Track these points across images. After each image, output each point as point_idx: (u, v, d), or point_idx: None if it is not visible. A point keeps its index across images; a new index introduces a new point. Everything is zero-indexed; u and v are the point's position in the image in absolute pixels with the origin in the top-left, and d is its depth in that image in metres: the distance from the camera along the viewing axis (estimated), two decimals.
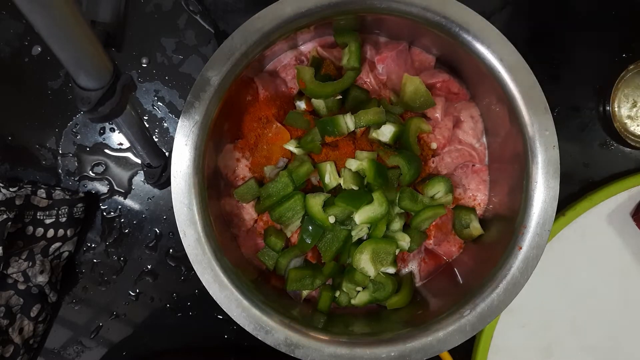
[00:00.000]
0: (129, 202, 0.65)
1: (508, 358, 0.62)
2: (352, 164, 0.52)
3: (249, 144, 0.55)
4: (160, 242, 0.65)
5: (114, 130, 0.66)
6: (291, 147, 0.54)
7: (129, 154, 0.65)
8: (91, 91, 0.35)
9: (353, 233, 0.53)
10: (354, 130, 0.53)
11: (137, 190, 0.65)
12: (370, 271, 0.52)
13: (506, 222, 0.53)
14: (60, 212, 0.61)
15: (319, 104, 0.55)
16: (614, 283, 0.63)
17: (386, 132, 0.53)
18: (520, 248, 0.50)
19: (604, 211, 0.62)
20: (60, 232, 0.61)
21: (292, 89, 0.57)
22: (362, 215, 0.51)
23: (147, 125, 0.55)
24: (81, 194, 0.63)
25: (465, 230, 0.57)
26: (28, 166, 0.65)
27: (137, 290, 0.64)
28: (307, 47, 0.57)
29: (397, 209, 0.55)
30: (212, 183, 0.52)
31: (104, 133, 0.66)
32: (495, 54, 0.50)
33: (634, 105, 0.65)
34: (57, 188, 0.63)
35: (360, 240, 0.55)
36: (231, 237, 0.56)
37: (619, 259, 0.63)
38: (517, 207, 0.51)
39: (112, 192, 0.65)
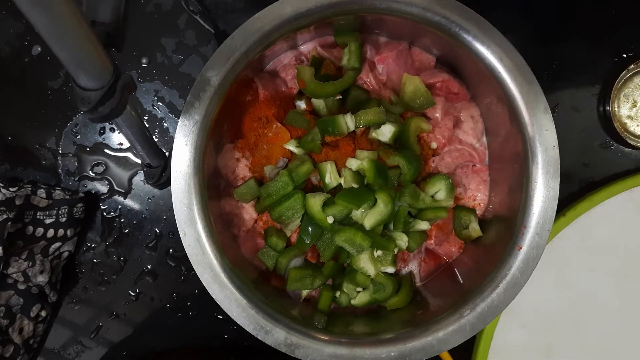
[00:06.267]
0: (129, 202, 0.65)
1: (508, 358, 0.62)
2: (353, 164, 0.52)
3: (249, 144, 0.55)
4: (160, 242, 0.65)
5: (114, 130, 0.66)
6: (291, 146, 0.54)
7: (129, 154, 0.65)
8: (91, 91, 0.35)
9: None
10: (354, 130, 0.53)
11: (137, 190, 0.65)
12: (370, 270, 0.53)
13: (506, 222, 0.53)
14: (60, 212, 0.61)
15: (319, 103, 0.55)
16: (614, 283, 0.63)
17: (386, 132, 0.53)
18: (520, 248, 0.50)
19: (604, 211, 0.62)
20: (60, 232, 0.61)
21: (292, 89, 0.57)
22: (370, 220, 0.51)
23: (147, 125, 0.55)
24: (81, 194, 0.63)
25: (464, 231, 0.57)
26: (28, 166, 0.65)
27: (137, 290, 0.64)
28: (307, 47, 0.57)
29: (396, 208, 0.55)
30: (212, 183, 0.52)
31: (104, 133, 0.66)
32: (495, 54, 0.50)
33: (634, 105, 0.65)
34: (57, 188, 0.63)
35: None
36: (231, 237, 0.56)
37: (619, 259, 0.63)
38: (517, 207, 0.51)
39: (112, 192, 0.65)
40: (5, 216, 0.57)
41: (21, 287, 0.60)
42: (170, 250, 0.65)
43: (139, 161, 0.65)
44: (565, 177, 0.62)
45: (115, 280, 0.64)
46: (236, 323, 0.48)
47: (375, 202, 0.52)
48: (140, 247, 0.65)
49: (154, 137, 0.62)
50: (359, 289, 0.55)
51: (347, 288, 0.55)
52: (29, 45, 0.65)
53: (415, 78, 0.53)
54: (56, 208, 0.61)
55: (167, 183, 0.53)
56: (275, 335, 0.48)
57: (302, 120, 0.54)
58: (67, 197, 0.62)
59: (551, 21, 0.66)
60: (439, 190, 0.54)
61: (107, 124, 0.66)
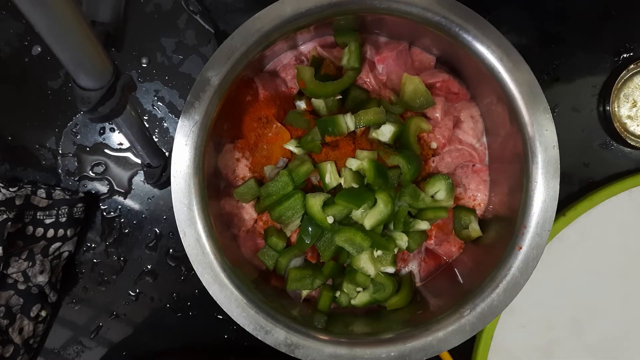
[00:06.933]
0: (129, 202, 0.65)
1: (508, 358, 0.62)
2: (353, 164, 0.52)
3: (249, 144, 0.55)
4: (160, 242, 0.65)
5: (114, 130, 0.66)
6: (291, 146, 0.54)
7: (129, 154, 0.65)
8: (91, 91, 0.35)
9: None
10: (354, 130, 0.53)
11: (137, 190, 0.65)
12: (370, 270, 0.53)
13: (506, 222, 0.53)
14: (60, 212, 0.61)
15: (319, 103, 0.55)
16: (614, 283, 0.63)
17: (386, 132, 0.53)
18: (520, 248, 0.50)
19: (604, 211, 0.62)
20: (60, 232, 0.61)
21: (292, 89, 0.57)
22: (370, 220, 0.51)
23: (147, 125, 0.55)
24: (81, 194, 0.63)
25: (464, 231, 0.57)
26: (28, 166, 0.65)
27: (137, 290, 0.64)
28: (307, 47, 0.57)
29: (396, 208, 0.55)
30: (212, 183, 0.52)
31: (104, 133, 0.66)
32: (495, 54, 0.50)
33: (634, 105, 0.65)
34: (57, 188, 0.63)
35: None
36: (231, 237, 0.56)
37: (619, 259, 0.63)
38: (517, 207, 0.51)
39: (112, 192, 0.65)
40: (5, 216, 0.57)
41: (21, 287, 0.60)
42: (170, 250, 0.65)
43: (139, 161, 0.65)
44: (565, 177, 0.62)
45: (115, 280, 0.64)
46: (236, 323, 0.48)
47: (375, 202, 0.52)
48: (140, 247, 0.65)
49: (154, 137, 0.62)
50: (359, 289, 0.55)
51: (347, 288, 0.55)
52: (29, 45, 0.65)
53: (415, 78, 0.53)
54: (56, 208, 0.61)
55: (167, 183, 0.53)
56: (275, 335, 0.48)
57: (302, 120, 0.54)
58: (67, 197, 0.62)
59: (551, 21, 0.66)
60: (439, 190, 0.54)
61: (107, 124, 0.66)
